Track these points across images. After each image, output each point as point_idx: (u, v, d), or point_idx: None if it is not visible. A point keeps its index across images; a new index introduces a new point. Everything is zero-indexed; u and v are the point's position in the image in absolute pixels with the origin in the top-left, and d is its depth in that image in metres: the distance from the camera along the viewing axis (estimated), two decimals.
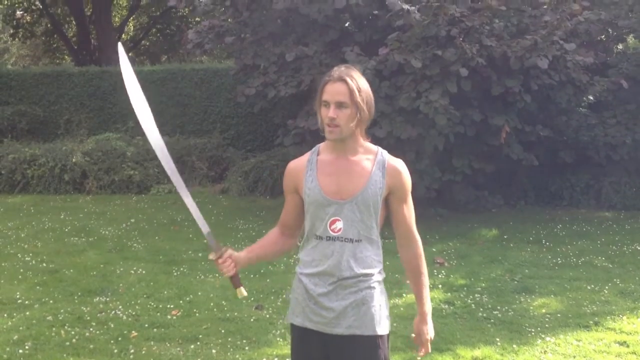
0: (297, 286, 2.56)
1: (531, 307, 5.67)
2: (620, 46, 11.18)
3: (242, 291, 2.62)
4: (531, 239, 8.37)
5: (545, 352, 4.66)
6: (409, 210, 2.54)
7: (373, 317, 2.48)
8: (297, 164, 2.57)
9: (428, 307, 2.57)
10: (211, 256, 2.56)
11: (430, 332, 2.56)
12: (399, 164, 2.51)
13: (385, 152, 2.53)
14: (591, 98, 10.27)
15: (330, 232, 2.45)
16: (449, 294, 6.04)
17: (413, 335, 2.60)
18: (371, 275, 2.48)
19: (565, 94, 9.60)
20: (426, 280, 2.58)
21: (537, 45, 8.51)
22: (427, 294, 2.57)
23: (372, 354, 2.46)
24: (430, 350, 2.59)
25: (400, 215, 2.52)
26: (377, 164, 2.47)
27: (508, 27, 9.02)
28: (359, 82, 2.41)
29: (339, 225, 2.44)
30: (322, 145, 2.56)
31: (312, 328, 2.50)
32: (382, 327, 2.50)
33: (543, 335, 4.96)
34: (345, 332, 2.45)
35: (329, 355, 2.50)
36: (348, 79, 2.38)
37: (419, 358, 2.50)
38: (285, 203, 2.65)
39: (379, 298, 2.51)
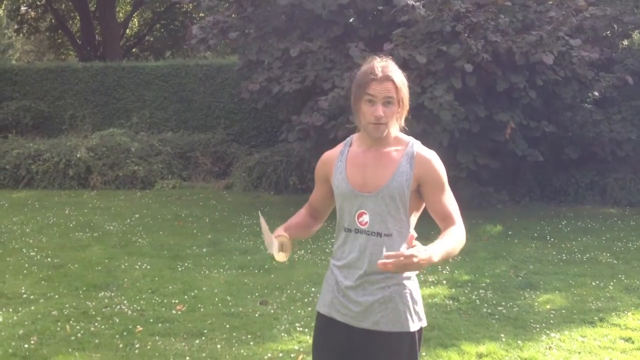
0: (329, 276, 2.55)
1: (536, 303, 5.66)
2: (625, 42, 11.16)
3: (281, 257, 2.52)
4: (536, 235, 8.35)
5: (550, 348, 4.65)
6: (448, 200, 2.42)
7: (400, 314, 2.40)
8: (330, 155, 2.57)
9: (437, 254, 2.20)
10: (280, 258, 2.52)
11: (419, 252, 2.09)
12: (429, 154, 2.44)
13: (417, 144, 2.47)
14: (596, 94, 10.24)
15: (358, 224, 2.42)
16: (454, 289, 6.03)
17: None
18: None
19: (570, 89, 9.58)
20: (458, 243, 2.34)
21: (542, 40, 8.49)
22: (449, 249, 2.28)
23: (397, 351, 2.40)
24: (395, 265, 2.08)
25: (437, 205, 2.42)
26: (405, 155, 2.42)
27: (513, 23, 9.00)
28: (402, 78, 2.41)
29: (365, 218, 2.41)
30: (355, 136, 2.55)
31: (338, 319, 2.47)
32: (412, 323, 2.42)
33: (548, 331, 4.96)
34: (371, 327, 2.41)
35: (352, 347, 2.46)
36: (394, 77, 2.37)
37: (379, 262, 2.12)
38: (315, 188, 2.66)
39: (409, 294, 2.44)
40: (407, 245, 2.14)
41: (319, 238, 7.82)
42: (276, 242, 2.48)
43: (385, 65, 2.39)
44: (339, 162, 2.50)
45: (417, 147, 2.45)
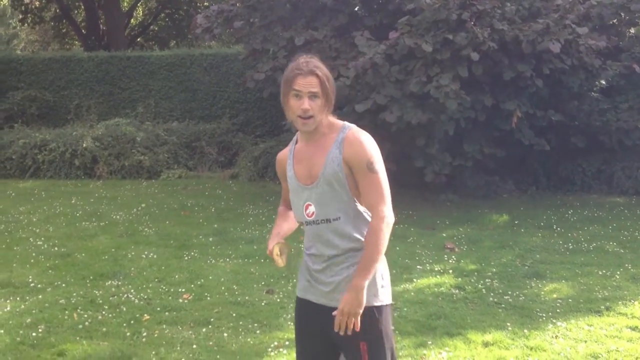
0: (302, 263, 2.69)
1: (542, 292, 5.66)
2: (632, 30, 11.07)
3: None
4: (542, 224, 8.34)
5: (556, 337, 4.65)
6: (370, 183, 2.47)
7: (368, 289, 2.45)
8: (283, 155, 2.73)
9: (361, 279, 2.41)
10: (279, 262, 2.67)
11: (351, 307, 2.39)
12: (357, 136, 2.50)
13: (348, 128, 2.54)
14: (603, 82, 10.18)
15: (306, 217, 2.58)
16: (460, 279, 6.03)
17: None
18: (359, 249, 2.51)
19: (577, 78, 9.53)
20: (373, 254, 2.43)
21: (549, 29, 8.44)
22: (367, 265, 2.42)
23: (369, 326, 2.49)
24: (342, 320, 2.43)
25: (362, 191, 2.50)
26: (336, 141, 2.52)
27: (520, 11, 8.94)
28: (326, 72, 2.52)
29: (311, 209, 2.55)
30: (298, 133, 2.67)
31: (313, 300, 2.62)
32: (378, 298, 2.52)
33: (554, 320, 4.95)
34: (338, 304, 2.50)
35: (326, 325, 2.54)
36: (318, 71, 2.48)
37: (341, 333, 2.44)
38: (283, 187, 2.81)
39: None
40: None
41: None
42: (276, 251, 2.64)
43: (309, 61, 2.51)
44: (289, 160, 2.65)
45: (347, 131, 2.53)
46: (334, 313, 2.44)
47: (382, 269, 2.57)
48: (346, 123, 2.58)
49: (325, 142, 2.54)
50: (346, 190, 2.50)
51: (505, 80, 8.93)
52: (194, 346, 4.51)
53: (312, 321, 2.64)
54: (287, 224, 2.79)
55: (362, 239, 2.51)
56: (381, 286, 2.55)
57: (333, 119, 2.59)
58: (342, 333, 2.43)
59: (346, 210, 2.51)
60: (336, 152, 2.50)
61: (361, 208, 2.54)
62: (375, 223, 2.46)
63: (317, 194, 2.52)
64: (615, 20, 10.46)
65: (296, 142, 2.66)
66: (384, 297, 2.56)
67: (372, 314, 2.51)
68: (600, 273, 6.21)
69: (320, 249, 2.56)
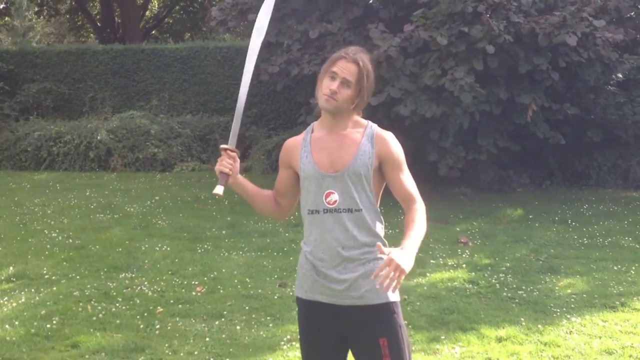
0: (304, 262, 2.59)
1: (557, 287, 5.62)
2: None
3: (220, 189, 2.52)
4: (557, 218, 8.28)
5: (570, 332, 4.62)
6: (406, 178, 2.54)
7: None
8: (293, 142, 2.65)
9: (411, 244, 2.34)
10: (224, 145, 2.55)
11: (402, 260, 2.22)
12: (387, 134, 2.56)
13: (375, 125, 2.58)
14: (620, 76, 10.10)
15: (326, 204, 2.50)
16: (473, 273, 6.00)
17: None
18: (374, 246, 2.49)
19: (593, 71, 9.44)
20: (422, 230, 2.43)
21: (565, 21, 8.35)
22: (415, 236, 2.38)
23: (388, 321, 2.49)
24: (389, 280, 2.21)
25: (397, 182, 2.54)
26: (366, 135, 2.53)
27: (536, 3, 8.87)
28: (369, 68, 2.51)
29: (334, 197, 2.49)
30: (315, 123, 2.63)
31: (322, 301, 2.53)
32: (391, 294, 2.48)
33: (568, 316, 4.92)
34: (358, 303, 2.48)
35: (341, 326, 2.52)
36: (361, 63, 2.47)
37: (378, 286, 2.24)
38: (278, 174, 2.71)
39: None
40: (379, 252, 2.34)
41: None
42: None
43: (358, 52, 2.52)
44: (304, 147, 2.58)
45: (376, 128, 2.57)
46: (385, 261, 2.22)
47: None
48: (369, 122, 2.59)
49: (352, 135, 2.53)
50: (370, 185, 2.50)
51: (520, 74, 8.85)
52: (207, 339, 4.52)
53: (325, 323, 2.55)
54: (260, 193, 2.65)
55: (379, 236, 2.51)
56: None
57: (357, 117, 2.59)
58: (381, 285, 2.20)
59: (367, 204, 2.50)
60: (368, 146, 2.50)
61: (377, 207, 2.55)
62: (420, 207, 2.50)
63: (342, 183, 2.48)
64: (632, 13, 10.34)
65: (312, 132, 2.61)
66: (398, 293, 2.55)
67: (392, 309, 2.50)
68: (615, 268, 6.16)
69: (333, 241, 2.48)
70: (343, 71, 2.45)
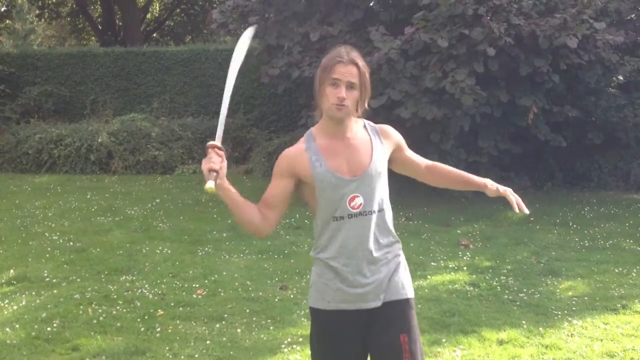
0: (324, 271, 2.53)
1: (558, 290, 5.61)
2: None
3: (212, 184, 2.40)
4: (558, 221, 8.27)
5: (572, 335, 4.61)
6: (414, 153, 2.76)
7: (403, 282, 2.57)
8: (295, 151, 2.55)
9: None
10: (212, 142, 2.47)
11: (505, 187, 2.84)
12: (384, 125, 2.66)
13: (367, 121, 2.63)
14: (621, 78, 10.07)
15: (351, 209, 2.47)
16: (474, 276, 5.99)
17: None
18: (394, 242, 2.58)
19: (594, 74, 9.42)
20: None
21: (566, 24, 8.35)
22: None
23: (409, 317, 2.53)
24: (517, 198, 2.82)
25: (412, 159, 2.74)
26: (371, 132, 2.57)
27: (537, 6, 8.85)
28: (365, 65, 2.52)
29: (359, 200, 2.47)
30: (313, 130, 2.57)
31: (346, 308, 2.50)
32: (411, 290, 2.59)
33: (570, 319, 4.91)
34: (382, 302, 2.51)
35: (364, 330, 2.52)
36: (359, 62, 2.47)
37: (518, 211, 2.79)
38: (271, 185, 2.62)
39: (403, 263, 2.62)
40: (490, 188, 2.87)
41: None
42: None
43: (350, 51, 2.50)
44: (313, 156, 2.49)
45: (371, 123, 2.64)
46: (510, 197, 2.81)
47: (405, 262, 2.63)
48: (360, 118, 2.59)
49: (359, 135, 2.54)
50: (386, 180, 2.56)
51: (521, 76, 8.85)
52: (208, 342, 4.51)
53: (348, 331, 2.51)
54: (246, 201, 2.54)
55: (395, 235, 2.59)
56: (410, 279, 2.63)
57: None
58: (521, 209, 2.76)
59: (387, 203, 2.56)
60: (379, 143, 2.55)
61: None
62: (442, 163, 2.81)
63: (365, 186, 2.47)
64: (633, 16, 10.33)
65: (314, 140, 2.53)
66: (413, 289, 2.63)
67: (411, 305, 2.56)
68: (617, 271, 6.15)
69: (357, 246, 2.46)
70: (345, 75, 2.42)
